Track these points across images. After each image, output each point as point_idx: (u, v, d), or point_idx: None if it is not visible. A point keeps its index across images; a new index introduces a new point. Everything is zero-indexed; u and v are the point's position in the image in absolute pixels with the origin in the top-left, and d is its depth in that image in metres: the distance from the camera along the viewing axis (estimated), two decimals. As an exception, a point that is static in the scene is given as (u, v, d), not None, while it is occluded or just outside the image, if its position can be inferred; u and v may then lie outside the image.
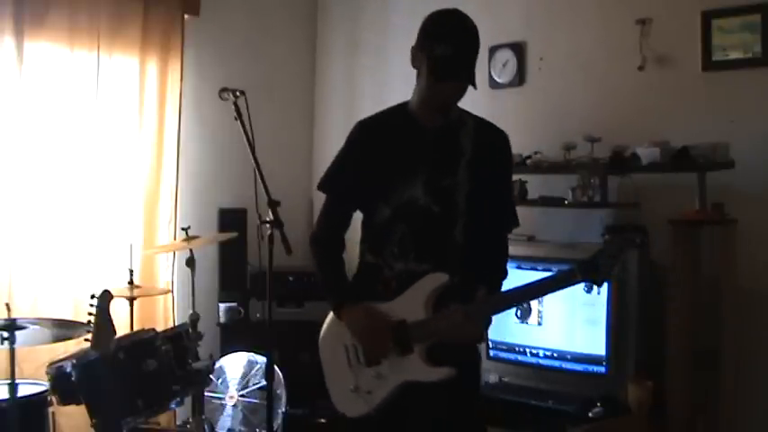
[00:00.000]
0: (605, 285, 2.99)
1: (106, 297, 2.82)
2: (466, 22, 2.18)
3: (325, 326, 2.40)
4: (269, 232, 2.51)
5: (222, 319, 4.22)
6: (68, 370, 2.87)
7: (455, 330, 2.17)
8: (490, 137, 2.31)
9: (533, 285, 2.22)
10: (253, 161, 2.59)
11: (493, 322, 2.26)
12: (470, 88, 2.16)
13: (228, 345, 4.09)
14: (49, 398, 2.95)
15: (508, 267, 2.37)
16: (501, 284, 2.33)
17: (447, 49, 2.11)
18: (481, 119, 2.33)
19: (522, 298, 2.44)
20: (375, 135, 2.32)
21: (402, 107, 2.33)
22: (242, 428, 3.81)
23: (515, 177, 3.28)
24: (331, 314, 2.37)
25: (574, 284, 2.14)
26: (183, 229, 3.64)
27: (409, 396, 2.22)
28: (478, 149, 2.25)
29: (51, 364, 2.92)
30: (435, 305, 2.22)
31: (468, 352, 2.33)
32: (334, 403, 2.34)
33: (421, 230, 2.24)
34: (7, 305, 2.72)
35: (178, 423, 3.84)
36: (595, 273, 2.10)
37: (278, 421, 3.77)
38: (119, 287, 3.47)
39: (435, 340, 2.20)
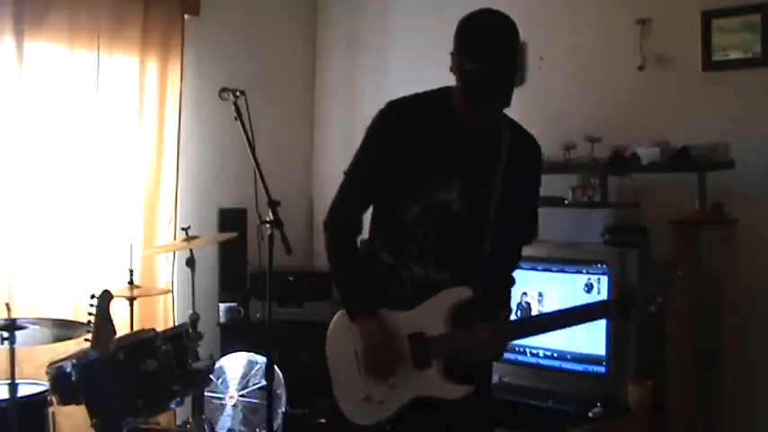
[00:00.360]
0: (605, 285, 3.02)
1: (106, 297, 2.82)
2: (503, 27, 1.97)
3: (332, 327, 2.26)
4: (269, 232, 2.51)
5: (222, 319, 4.22)
6: (68, 370, 2.87)
7: (478, 349, 2.05)
8: (524, 145, 2.18)
9: (564, 313, 2.14)
10: (253, 161, 2.59)
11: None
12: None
13: (228, 345, 4.09)
14: (49, 398, 2.95)
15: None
16: (510, 294, 2.26)
17: (477, 64, 1.93)
18: (517, 124, 2.20)
19: (550, 325, 2.27)
20: (407, 119, 2.13)
21: (442, 96, 2.12)
22: (242, 428, 3.81)
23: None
24: (339, 314, 2.25)
25: (606, 318, 2.07)
26: (183, 229, 3.64)
27: (421, 405, 2.12)
28: (512, 156, 2.11)
29: (51, 364, 2.92)
30: (454, 319, 2.10)
31: (486, 366, 2.25)
32: (342, 409, 2.22)
33: (447, 236, 2.10)
34: (7, 305, 2.72)
35: (178, 423, 3.84)
36: (632, 309, 2.00)
37: (278, 421, 3.77)
38: (119, 287, 3.47)
39: (454, 356, 2.09)
